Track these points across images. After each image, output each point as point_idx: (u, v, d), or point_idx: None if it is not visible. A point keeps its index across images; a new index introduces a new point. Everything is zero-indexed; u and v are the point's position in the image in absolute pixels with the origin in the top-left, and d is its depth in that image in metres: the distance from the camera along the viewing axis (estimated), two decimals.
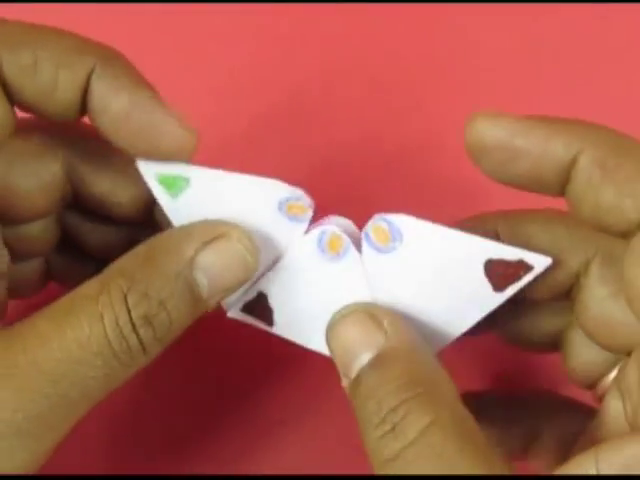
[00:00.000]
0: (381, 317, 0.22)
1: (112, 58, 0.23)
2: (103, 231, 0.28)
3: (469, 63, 0.37)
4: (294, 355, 0.30)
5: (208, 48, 0.37)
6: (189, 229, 0.23)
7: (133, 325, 0.21)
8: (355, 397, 0.21)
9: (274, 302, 0.24)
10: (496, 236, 0.24)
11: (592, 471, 0.18)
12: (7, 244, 0.26)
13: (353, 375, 0.22)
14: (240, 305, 0.24)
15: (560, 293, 0.24)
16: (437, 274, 0.22)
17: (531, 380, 0.30)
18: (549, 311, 0.25)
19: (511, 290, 0.22)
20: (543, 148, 0.20)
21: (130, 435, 0.31)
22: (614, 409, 0.22)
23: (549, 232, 0.23)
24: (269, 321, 0.24)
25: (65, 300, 0.22)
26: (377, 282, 0.23)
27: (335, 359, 0.23)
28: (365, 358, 0.21)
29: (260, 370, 0.32)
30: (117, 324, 0.21)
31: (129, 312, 0.21)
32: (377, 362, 0.21)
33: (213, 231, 0.23)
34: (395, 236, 0.23)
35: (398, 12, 0.38)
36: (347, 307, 0.23)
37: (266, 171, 0.25)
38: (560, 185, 0.21)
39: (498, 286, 0.22)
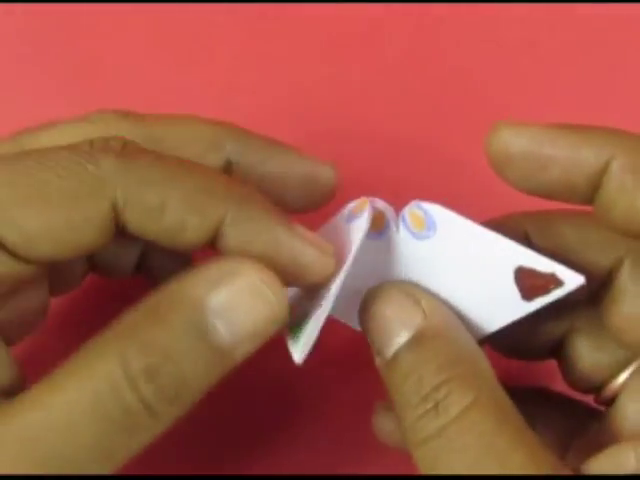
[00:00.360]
0: (418, 296, 0.22)
1: (245, 198, 0.22)
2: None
3: (480, 61, 0.37)
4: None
5: (208, 48, 0.37)
6: (196, 271, 0.21)
7: (132, 381, 0.19)
8: (392, 376, 0.22)
9: None
10: (525, 236, 0.24)
11: (631, 461, 0.19)
12: None
13: (389, 354, 0.22)
14: None
15: (590, 291, 0.24)
16: (466, 271, 0.22)
17: (523, 377, 0.30)
18: (548, 319, 0.25)
19: (539, 302, 0.22)
20: (573, 155, 0.21)
21: None
22: (634, 409, 0.23)
23: (579, 232, 0.23)
24: None
25: (66, 362, 0.20)
26: (410, 265, 0.24)
27: (370, 337, 0.22)
28: (403, 337, 0.21)
29: (259, 370, 0.31)
30: (112, 382, 0.19)
31: (127, 366, 0.19)
32: (416, 341, 0.21)
33: (221, 269, 0.20)
34: (429, 225, 0.23)
35: (402, 12, 0.38)
36: (382, 285, 0.23)
37: None
38: (590, 192, 0.21)
39: (526, 295, 0.22)
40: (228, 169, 0.25)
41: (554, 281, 0.21)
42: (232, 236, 0.21)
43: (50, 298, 0.25)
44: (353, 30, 0.37)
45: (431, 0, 0.38)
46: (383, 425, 0.25)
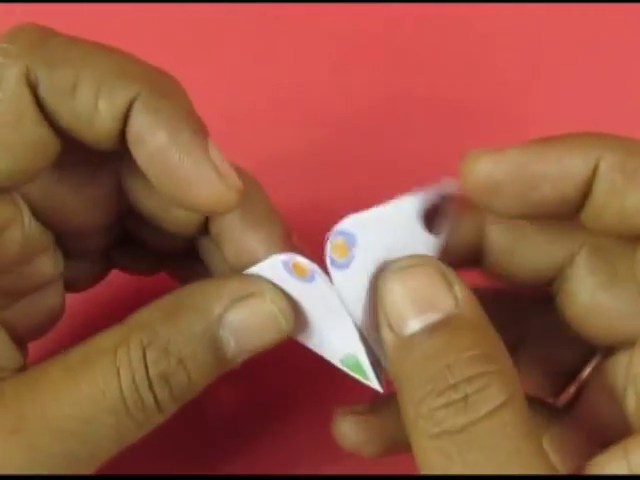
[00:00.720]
0: (452, 280, 0.21)
1: (158, 86, 0.21)
2: (162, 235, 0.26)
3: (480, 67, 0.38)
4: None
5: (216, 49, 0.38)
6: (219, 284, 0.22)
7: (150, 383, 0.20)
8: (406, 356, 0.20)
9: None
10: (480, 230, 0.23)
11: (623, 467, 0.19)
12: (61, 244, 0.25)
13: (408, 331, 0.20)
14: None
15: (544, 283, 0.24)
16: (393, 252, 0.22)
17: None
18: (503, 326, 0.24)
19: (445, 227, 0.22)
20: (562, 167, 0.20)
21: None
22: (605, 404, 0.23)
23: (534, 224, 0.23)
24: None
25: (82, 349, 0.21)
26: (351, 297, 0.22)
27: (386, 308, 0.21)
28: (431, 317, 0.20)
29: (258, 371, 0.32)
30: (133, 381, 0.20)
31: (147, 369, 0.20)
32: (446, 325, 0.20)
33: (245, 288, 0.22)
34: (351, 243, 0.22)
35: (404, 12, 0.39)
36: (416, 257, 0.21)
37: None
38: (581, 201, 0.21)
39: (436, 230, 0.22)
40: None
41: (446, 200, 0.22)
42: (136, 125, 0.20)
43: (65, 296, 0.26)
44: (355, 30, 0.38)
45: (433, 0, 0.39)
46: (344, 430, 0.25)
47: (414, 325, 0.20)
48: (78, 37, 0.21)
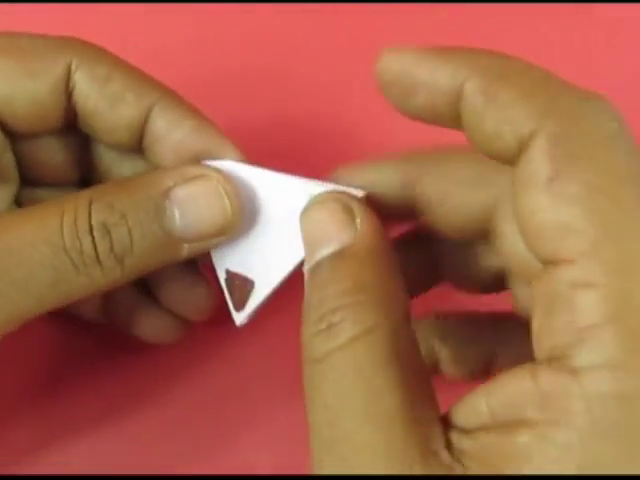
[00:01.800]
0: (356, 212, 0.21)
1: (172, 93, 0.26)
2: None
3: None
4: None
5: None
6: (172, 167, 0.25)
7: (91, 228, 0.22)
8: (307, 286, 0.21)
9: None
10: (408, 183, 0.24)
11: (484, 409, 0.19)
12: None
13: (311, 263, 0.21)
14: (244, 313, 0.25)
15: (479, 229, 0.24)
16: (261, 214, 0.24)
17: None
18: (488, 251, 0.25)
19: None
20: (432, 79, 0.20)
21: (125, 434, 0.31)
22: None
23: (460, 171, 0.23)
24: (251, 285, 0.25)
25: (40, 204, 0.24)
26: None
27: (303, 243, 0.22)
28: (327, 250, 0.21)
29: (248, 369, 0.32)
30: (75, 222, 0.22)
31: (90, 216, 0.22)
32: (336, 257, 0.21)
33: (196, 171, 0.24)
34: None
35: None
36: (323, 194, 0.22)
37: None
38: (454, 116, 0.20)
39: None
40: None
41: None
42: (161, 118, 0.25)
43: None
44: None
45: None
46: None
47: (315, 257, 0.21)
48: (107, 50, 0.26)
